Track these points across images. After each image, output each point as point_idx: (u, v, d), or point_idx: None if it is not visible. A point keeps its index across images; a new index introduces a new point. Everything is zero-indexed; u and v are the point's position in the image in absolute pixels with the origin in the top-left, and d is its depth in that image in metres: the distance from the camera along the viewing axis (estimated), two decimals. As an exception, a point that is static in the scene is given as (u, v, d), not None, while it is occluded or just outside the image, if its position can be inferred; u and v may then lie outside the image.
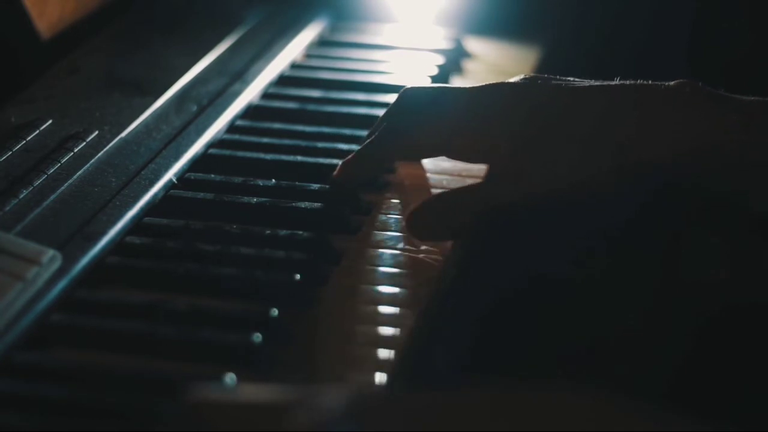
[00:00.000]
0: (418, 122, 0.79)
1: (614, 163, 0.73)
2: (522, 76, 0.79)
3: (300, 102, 0.96)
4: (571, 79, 0.78)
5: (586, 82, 0.77)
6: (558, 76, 0.79)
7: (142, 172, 0.81)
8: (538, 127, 0.75)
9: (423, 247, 0.77)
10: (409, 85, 0.83)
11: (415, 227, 0.76)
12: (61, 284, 0.69)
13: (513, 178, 0.75)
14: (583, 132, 0.74)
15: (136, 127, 0.87)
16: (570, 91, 0.77)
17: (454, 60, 1.07)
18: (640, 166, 0.73)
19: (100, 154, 0.82)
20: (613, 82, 0.76)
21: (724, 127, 0.72)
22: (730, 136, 0.72)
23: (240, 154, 0.87)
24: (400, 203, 0.82)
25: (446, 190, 0.77)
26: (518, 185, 0.75)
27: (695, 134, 0.72)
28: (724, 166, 0.72)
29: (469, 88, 0.80)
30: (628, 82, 0.76)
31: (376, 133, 0.81)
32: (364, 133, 0.88)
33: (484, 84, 0.80)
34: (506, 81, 0.80)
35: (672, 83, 0.75)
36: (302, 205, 0.79)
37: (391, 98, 0.97)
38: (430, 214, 0.76)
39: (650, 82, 0.76)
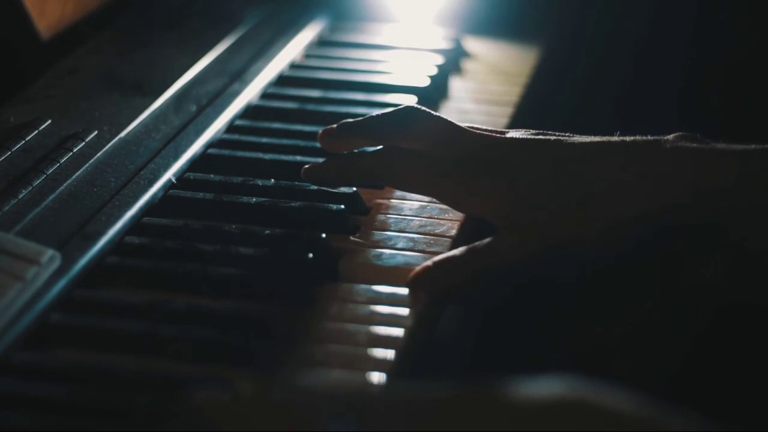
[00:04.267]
0: (408, 150, 0.78)
1: (620, 215, 0.73)
2: (523, 132, 0.78)
3: (299, 102, 0.96)
4: (569, 135, 0.78)
5: (587, 138, 0.77)
6: (556, 132, 0.78)
7: (142, 172, 0.81)
8: (547, 178, 0.75)
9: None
10: (410, 105, 0.81)
11: (419, 292, 0.73)
12: (61, 284, 0.68)
13: (519, 236, 0.74)
14: (589, 190, 0.74)
15: (136, 127, 0.87)
16: (575, 145, 0.76)
17: (454, 60, 1.07)
18: (643, 217, 0.73)
19: (99, 154, 0.82)
20: (613, 138, 0.76)
21: (719, 175, 0.73)
22: (724, 184, 0.72)
23: (239, 153, 0.87)
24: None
25: (449, 253, 0.75)
26: (525, 243, 0.74)
27: (692, 183, 0.73)
28: (720, 212, 0.73)
29: (474, 133, 0.78)
30: (628, 138, 0.76)
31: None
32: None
33: (486, 134, 0.78)
34: (509, 135, 0.78)
35: (670, 137, 0.75)
36: (301, 205, 0.79)
37: (390, 98, 0.97)
38: (434, 278, 0.74)
39: (649, 137, 0.75)
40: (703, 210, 0.73)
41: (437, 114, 0.80)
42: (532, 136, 0.77)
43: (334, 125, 0.81)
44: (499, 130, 0.79)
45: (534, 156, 0.76)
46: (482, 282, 0.74)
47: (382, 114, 0.80)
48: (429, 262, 0.74)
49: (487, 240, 0.74)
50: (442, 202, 0.79)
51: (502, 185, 0.75)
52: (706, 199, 0.72)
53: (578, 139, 0.77)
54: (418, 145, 0.78)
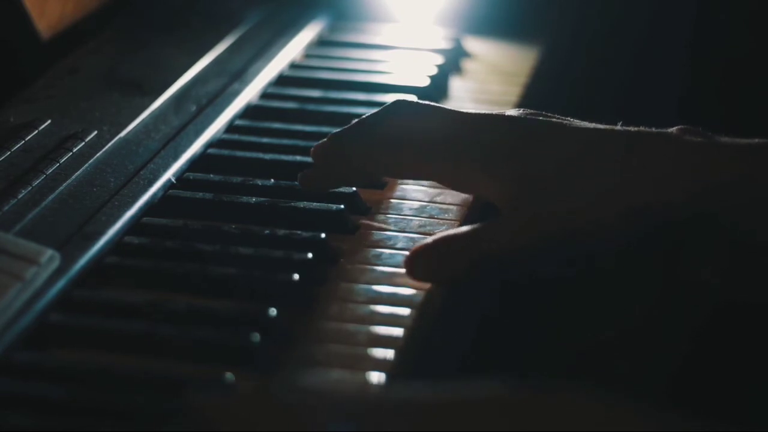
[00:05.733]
0: (407, 140, 0.77)
1: (620, 208, 0.73)
2: (522, 111, 0.77)
3: (299, 102, 0.96)
4: (570, 119, 0.77)
5: (590, 125, 0.76)
6: (556, 115, 0.77)
7: (141, 172, 0.81)
8: (549, 169, 0.74)
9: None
10: (400, 98, 0.80)
11: (416, 270, 0.73)
12: (60, 284, 0.68)
13: (521, 224, 0.73)
14: (591, 181, 0.73)
15: (135, 127, 0.87)
16: (577, 133, 0.75)
17: (454, 60, 1.07)
18: (643, 210, 0.72)
19: (99, 154, 0.82)
20: (616, 128, 0.75)
21: (723, 170, 0.72)
22: (727, 177, 0.72)
23: (239, 153, 0.87)
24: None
25: (449, 233, 0.74)
26: (527, 231, 0.73)
27: (694, 176, 0.72)
28: (724, 206, 0.72)
29: (470, 114, 0.77)
30: (632, 129, 0.75)
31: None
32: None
33: (485, 113, 0.77)
34: (508, 114, 0.77)
35: (673, 129, 0.75)
36: (301, 204, 0.79)
37: (390, 98, 0.97)
38: (433, 258, 0.73)
39: (653, 129, 0.75)
40: (706, 205, 0.72)
41: (426, 102, 0.80)
42: (534, 118, 0.77)
43: (325, 140, 0.80)
44: (496, 111, 0.79)
45: (538, 142, 0.75)
46: (481, 269, 0.73)
47: (372, 115, 0.79)
48: (429, 240, 0.73)
49: (487, 224, 0.74)
50: (445, 185, 0.79)
51: (505, 170, 0.74)
52: (710, 194, 0.72)
53: (580, 125, 0.76)
54: (414, 135, 0.77)
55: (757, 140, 0.73)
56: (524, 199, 0.73)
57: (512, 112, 0.77)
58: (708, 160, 0.73)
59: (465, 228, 0.74)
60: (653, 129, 0.75)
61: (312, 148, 0.80)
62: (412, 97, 0.96)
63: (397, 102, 0.79)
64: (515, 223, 0.73)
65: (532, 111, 0.77)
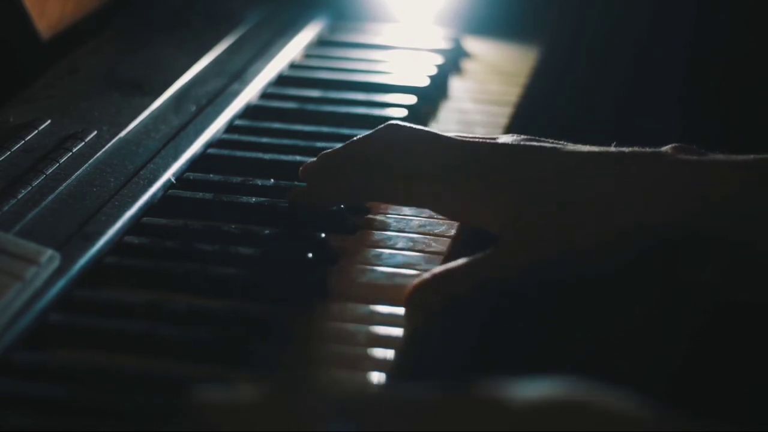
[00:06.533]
0: (398, 165, 0.76)
1: (616, 230, 0.72)
2: (514, 137, 0.77)
3: (299, 102, 0.96)
4: (563, 143, 0.77)
5: (585, 148, 0.76)
6: (550, 139, 0.77)
7: (141, 172, 0.81)
8: (545, 186, 0.73)
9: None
10: (392, 122, 0.79)
11: (416, 300, 0.72)
12: (60, 284, 0.68)
13: (520, 248, 0.73)
14: (589, 202, 0.73)
15: (135, 127, 0.87)
16: (572, 154, 0.75)
17: (453, 60, 1.07)
18: (639, 230, 0.72)
19: (98, 154, 0.82)
20: (611, 149, 0.75)
21: (721, 189, 0.72)
22: (723, 193, 0.72)
23: (239, 153, 0.87)
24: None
25: (448, 266, 0.73)
26: (525, 255, 0.73)
27: (690, 193, 0.72)
28: (721, 221, 0.72)
29: (462, 140, 0.76)
30: (627, 150, 0.75)
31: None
32: (363, 132, 0.88)
33: (477, 140, 0.77)
34: (501, 141, 0.77)
35: (667, 148, 0.74)
36: (301, 204, 0.79)
37: (390, 98, 0.97)
38: (434, 289, 0.72)
39: (647, 149, 0.75)
40: (703, 221, 0.72)
41: (419, 126, 0.79)
42: (526, 143, 0.76)
43: (314, 159, 0.79)
44: (488, 136, 0.78)
45: (532, 165, 0.74)
46: (482, 294, 0.73)
47: (363, 136, 0.78)
48: (428, 275, 0.73)
49: (486, 252, 0.73)
50: (437, 212, 0.79)
51: (500, 195, 0.74)
52: (706, 210, 0.72)
53: (574, 148, 0.75)
54: (406, 160, 0.77)
55: (752, 156, 0.73)
56: (520, 218, 0.73)
57: (505, 138, 0.77)
58: (703, 177, 0.72)
59: (463, 260, 0.73)
60: (648, 149, 0.74)
61: (301, 168, 0.79)
62: (411, 98, 0.96)
63: (389, 125, 0.78)
64: (514, 245, 0.72)
65: (525, 137, 0.77)
